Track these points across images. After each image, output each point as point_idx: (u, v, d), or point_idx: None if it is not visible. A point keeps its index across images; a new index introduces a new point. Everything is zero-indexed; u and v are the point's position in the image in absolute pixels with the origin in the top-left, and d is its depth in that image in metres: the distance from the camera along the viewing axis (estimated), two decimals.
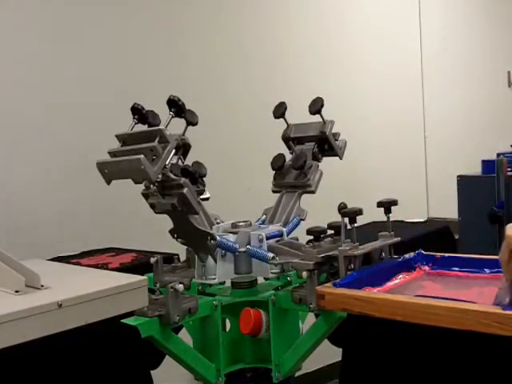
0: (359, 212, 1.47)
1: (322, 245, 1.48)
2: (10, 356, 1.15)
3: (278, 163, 1.79)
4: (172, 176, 1.43)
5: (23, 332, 1.14)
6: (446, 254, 1.59)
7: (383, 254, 1.54)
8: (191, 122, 1.63)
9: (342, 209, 1.50)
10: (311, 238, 1.50)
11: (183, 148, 1.67)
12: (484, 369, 1.20)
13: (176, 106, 1.52)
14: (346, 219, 1.46)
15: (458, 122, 4.09)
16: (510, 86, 4.49)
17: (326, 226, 1.54)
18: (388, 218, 1.56)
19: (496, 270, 1.44)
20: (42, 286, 1.29)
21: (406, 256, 1.57)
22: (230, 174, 2.82)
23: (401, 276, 1.51)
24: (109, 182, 1.47)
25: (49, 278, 1.32)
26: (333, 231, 1.55)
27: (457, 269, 1.54)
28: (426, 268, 1.57)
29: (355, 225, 1.46)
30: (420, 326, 1.25)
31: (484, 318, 1.11)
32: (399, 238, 1.58)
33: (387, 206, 1.56)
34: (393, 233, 1.57)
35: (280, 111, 1.78)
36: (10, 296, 1.25)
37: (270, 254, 1.51)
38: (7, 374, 1.23)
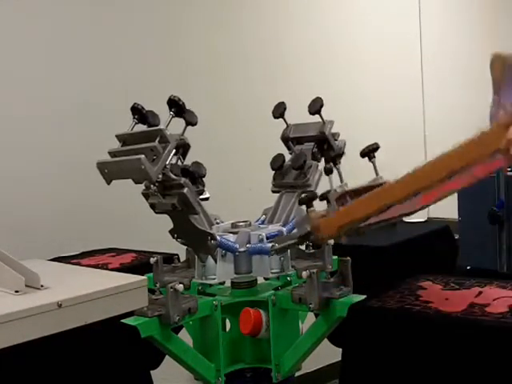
0: (343, 153, 1.45)
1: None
2: (10, 356, 1.15)
3: (277, 163, 1.79)
4: (172, 176, 1.43)
5: (23, 332, 1.14)
6: None
7: None
8: (190, 122, 1.63)
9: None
10: None
11: (182, 148, 1.67)
12: (489, 370, 1.20)
13: (176, 106, 1.52)
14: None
15: (458, 121, 4.09)
16: None
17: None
18: (373, 162, 1.57)
19: None
20: (42, 286, 1.29)
21: None
22: (230, 173, 2.82)
23: None
24: (109, 182, 1.46)
25: (49, 278, 1.32)
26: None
27: None
28: None
29: (339, 166, 1.44)
30: (420, 325, 1.25)
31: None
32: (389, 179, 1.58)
33: (368, 151, 1.56)
34: (381, 175, 1.56)
35: (279, 111, 1.78)
36: (9, 296, 1.24)
37: (270, 244, 1.51)
38: (7, 374, 1.23)
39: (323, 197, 1.53)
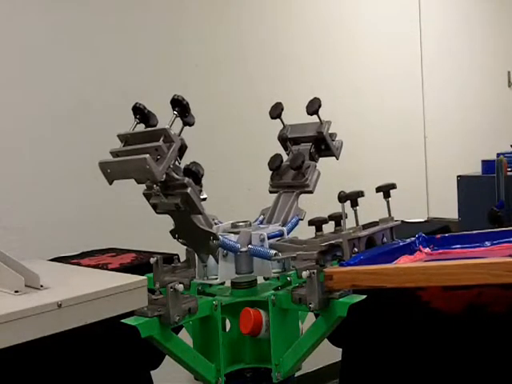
0: (360, 194, 1.47)
1: (325, 234, 1.49)
2: (9, 356, 1.15)
3: (275, 163, 1.79)
4: (176, 176, 1.43)
5: (23, 332, 1.14)
6: (446, 234, 1.60)
7: (385, 238, 1.55)
8: (188, 122, 1.62)
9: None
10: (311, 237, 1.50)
11: (179, 149, 1.66)
12: (490, 370, 1.20)
13: (180, 106, 1.51)
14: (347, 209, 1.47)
15: (458, 122, 4.09)
16: (510, 86, 4.48)
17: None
18: (387, 202, 1.57)
19: (497, 241, 1.45)
20: (42, 286, 1.29)
21: (407, 240, 1.57)
22: (228, 174, 2.81)
23: (403, 258, 1.51)
24: (111, 182, 1.46)
25: (49, 278, 1.32)
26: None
27: (458, 246, 1.55)
28: (427, 249, 1.57)
29: (357, 208, 1.46)
30: (419, 325, 1.25)
31: (495, 268, 1.12)
32: (400, 221, 1.59)
33: (386, 189, 1.57)
34: (393, 216, 1.58)
35: (276, 112, 1.78)
36: (9, 296, 1.25)
37: (273, 251, 1.51)
38: (7, 374, 1.23)
39: (331, 217, 1.55)
